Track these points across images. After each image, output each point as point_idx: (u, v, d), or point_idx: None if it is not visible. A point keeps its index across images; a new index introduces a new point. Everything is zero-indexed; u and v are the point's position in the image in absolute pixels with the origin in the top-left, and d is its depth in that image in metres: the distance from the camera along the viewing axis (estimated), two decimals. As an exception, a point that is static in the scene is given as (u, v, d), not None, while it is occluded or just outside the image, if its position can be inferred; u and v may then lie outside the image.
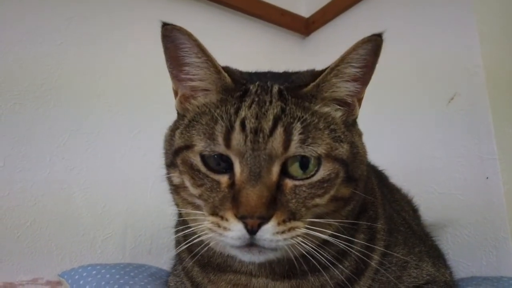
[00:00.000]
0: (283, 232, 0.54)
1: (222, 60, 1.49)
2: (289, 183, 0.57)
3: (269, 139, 0.56)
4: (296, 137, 0.57)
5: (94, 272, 0.92)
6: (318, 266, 0.60)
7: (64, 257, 1.08)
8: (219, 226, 0.55)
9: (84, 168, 1.20)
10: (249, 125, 0.56)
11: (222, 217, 0.55)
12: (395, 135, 1.36)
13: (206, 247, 0.62)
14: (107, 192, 1.21)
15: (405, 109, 1.36)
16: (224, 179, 0.57)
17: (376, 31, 1.57)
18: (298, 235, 0.56)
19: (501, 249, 1.07)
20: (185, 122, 0.63)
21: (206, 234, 0.58)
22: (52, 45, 1.24)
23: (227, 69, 0.65)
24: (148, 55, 1.28)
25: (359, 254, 0.64)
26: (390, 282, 0.67)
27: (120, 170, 1.26)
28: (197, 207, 0.60)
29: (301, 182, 0.58)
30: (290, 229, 0.55)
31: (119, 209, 1.22)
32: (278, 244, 0.55)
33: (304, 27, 1.88)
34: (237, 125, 0.56)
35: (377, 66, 0.66)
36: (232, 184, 0.56)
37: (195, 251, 0.65)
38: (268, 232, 0.54)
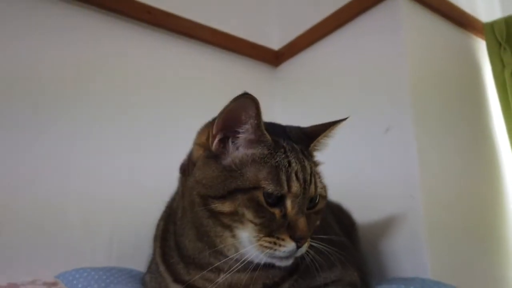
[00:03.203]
0: (305, 245, 0.79)
1: (197, 91, 1.73)
2: (306, 212, 0.82)
3: (310, 186, 0.82)
4: (319, 184, 0.86)
5: (85, 274, 1.08)
6: None
7: (59, 263, 1.24)
8: (275, 244, 0.76)
9: (78, 186, 1.38)
10: (301, 176, 0.80)
11: (278, 238, 0.76)
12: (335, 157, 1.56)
13: (212, 253, 0.82)
14: (96, 206, 1.40)
15: (347, 136, 1.58)
16: (277, 211, 0.78)
17: (333, 66, 1.83)
18: (307, 246, 0.81)
19: (419, 253, 1.31)
20: (234, 166, 0.79)
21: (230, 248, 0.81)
22: None
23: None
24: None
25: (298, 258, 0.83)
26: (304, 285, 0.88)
27: (107, 187, 1.44)
28: (227, 228, 0.79)
29: (311, 211, 0.85)
30: (307, 243, 0.80)
31: (106, 222, 1.40)
32: (302, 253, 0.80)
33: (274, 58, 2.09)
34: (293, 176, 0.79)
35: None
36: (283, 215, 0.78)
37: (187, 252, 0.86)
38: (305, 246, 0.79)
